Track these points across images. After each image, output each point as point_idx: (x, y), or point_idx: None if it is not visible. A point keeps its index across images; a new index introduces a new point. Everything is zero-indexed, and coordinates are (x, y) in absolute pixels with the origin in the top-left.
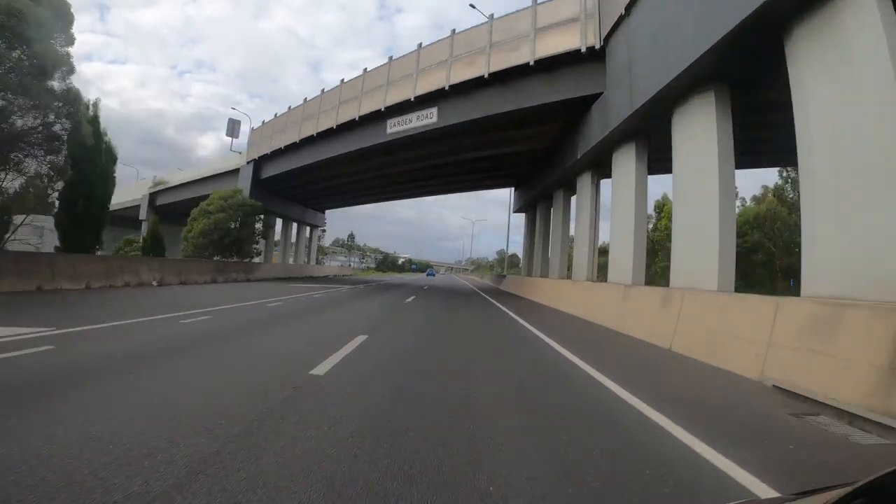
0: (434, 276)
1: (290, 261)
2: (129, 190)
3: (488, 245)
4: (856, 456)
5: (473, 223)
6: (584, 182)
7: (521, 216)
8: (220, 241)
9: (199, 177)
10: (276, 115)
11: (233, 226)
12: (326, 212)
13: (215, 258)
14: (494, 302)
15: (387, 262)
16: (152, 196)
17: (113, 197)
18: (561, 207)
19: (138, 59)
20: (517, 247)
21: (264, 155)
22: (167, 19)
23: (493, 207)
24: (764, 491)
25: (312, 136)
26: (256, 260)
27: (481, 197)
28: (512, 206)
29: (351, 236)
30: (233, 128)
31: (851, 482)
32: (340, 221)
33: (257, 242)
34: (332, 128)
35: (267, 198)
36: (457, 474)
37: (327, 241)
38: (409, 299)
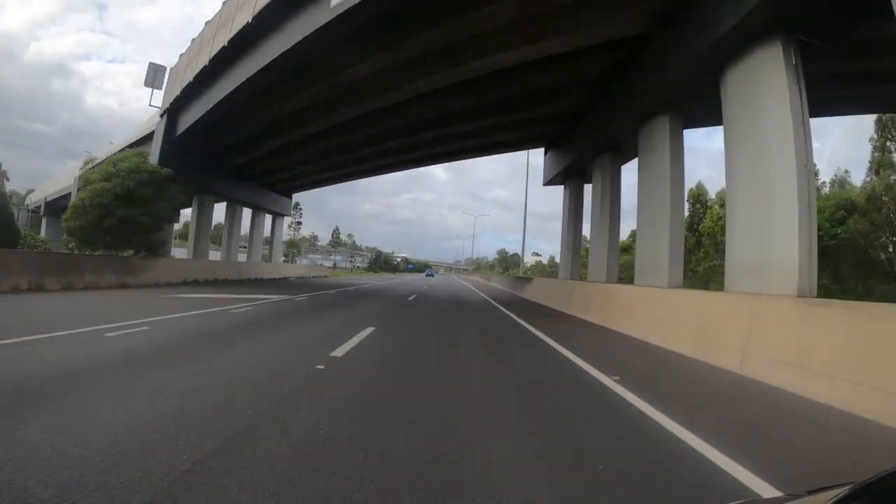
0: (433, 276)
1: (242, 256)
2: (68, 176)
3: (487, 245)
4: None
5: (475, 219)
6: (765, 70)
7: (530, 206)
8: (98, 224)
9: (123, 146)
10: (192, 40)
11: (138, 203)
12: (325, 210)
13: (124, 253)
14: (556, 346)
15: (379, 262)
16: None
17: (52, 186)
18: (665, 151)
19: (137, 57)
20: (518, 245)
21: (177, 99)
22: (166, 19)
23: (493, 208)
24: None
25: (224, 48)
26: (182, 253)
27: (481, 197)
28: (540, 182)
29: (336, 231)
30: (154, 76)
31: (851, 482)
32: (339, 221)
33: (161, 229)
34: (247, 24)
35: (194, 169)
36: None
37: (323, 241)
38: (358, 338)
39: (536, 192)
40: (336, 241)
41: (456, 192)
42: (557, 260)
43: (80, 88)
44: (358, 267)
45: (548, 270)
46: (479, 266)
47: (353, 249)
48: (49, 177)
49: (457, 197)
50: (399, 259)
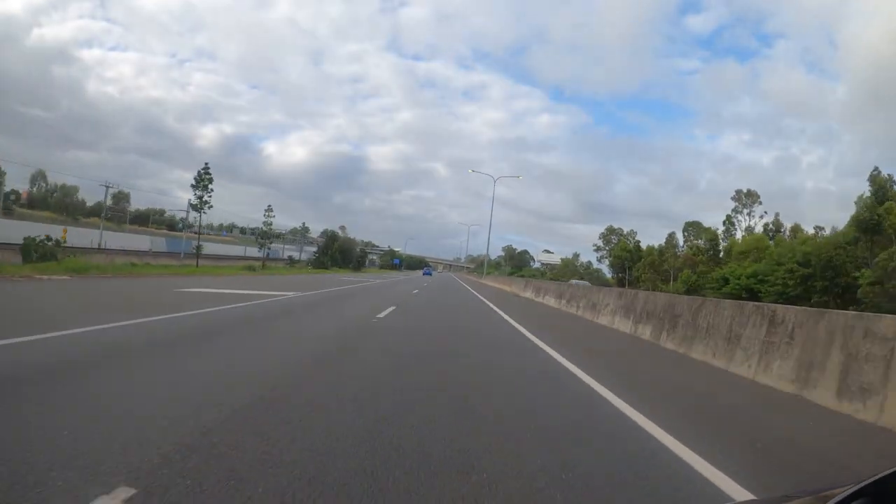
0: (431, 274)
1: None
2: None
3: (485, 241)
4: None
5: (495, 181)
6: None
7: None
8: None
9: None
10: None
11: None
12: None
13: None
14: None
15: (332, 253)
16: None
17: None
18: None
19: (138, 46)
20: (525, 245)
21: None
22: (168, 6)
23: (494, 205)
24: None
25: None
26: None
27: (482, 195)
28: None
29: (202, 175)
30: None
31: (851, 482)
32: (339, 216)
33: None
34: None
35: None
36: None
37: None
38: None
39: (536, 190)
40: (200, 202)
41: (457, 189)
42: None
43: (83, 76)
44: (293, 259)
45: (582, 271)
46: (480, 264)
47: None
48: (49, 163)
49: (458, 194)
50: (377, 252)
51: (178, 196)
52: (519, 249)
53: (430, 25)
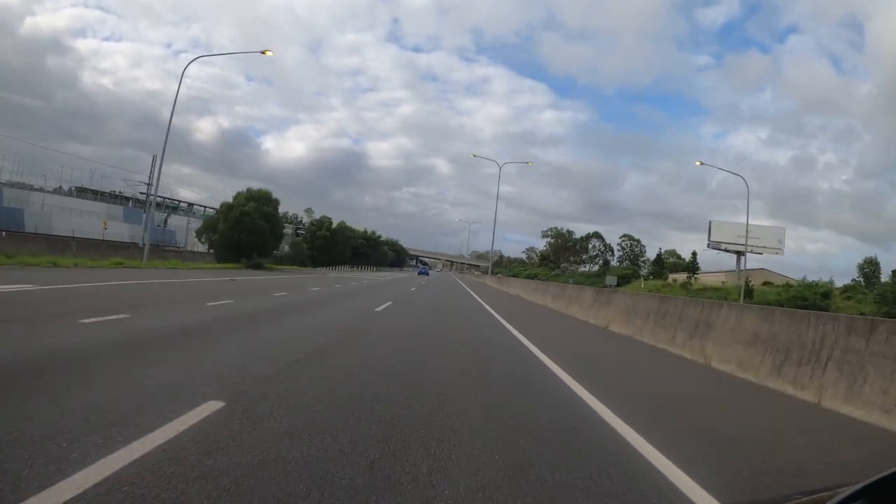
0: (427, 273)
1: None
2: None
3: (487, 242)
4: None
5: (500, 167)
6: None
7: None
8: None
9: None
10: None
11: None
12: None
13: None
14: None
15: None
16: None
17: None
18: None
19: (133, 36)
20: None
21: None
22: None
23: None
24: None
25: None
26: None
27: (486, 192)
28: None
29: None
30: None
31: (851, 482)
32: (339, 212)
33: None
34: None
35: None
36: None
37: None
38: None
39: (541, 187)
40: None
41: (458, 187)
42: None
43: (77, 67)
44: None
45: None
46: (494, 262)
47: None
48: (46, 157)
49: (459, 191)
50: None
51: (176, 189)
52: (579, 235)
53: (431, 14)
